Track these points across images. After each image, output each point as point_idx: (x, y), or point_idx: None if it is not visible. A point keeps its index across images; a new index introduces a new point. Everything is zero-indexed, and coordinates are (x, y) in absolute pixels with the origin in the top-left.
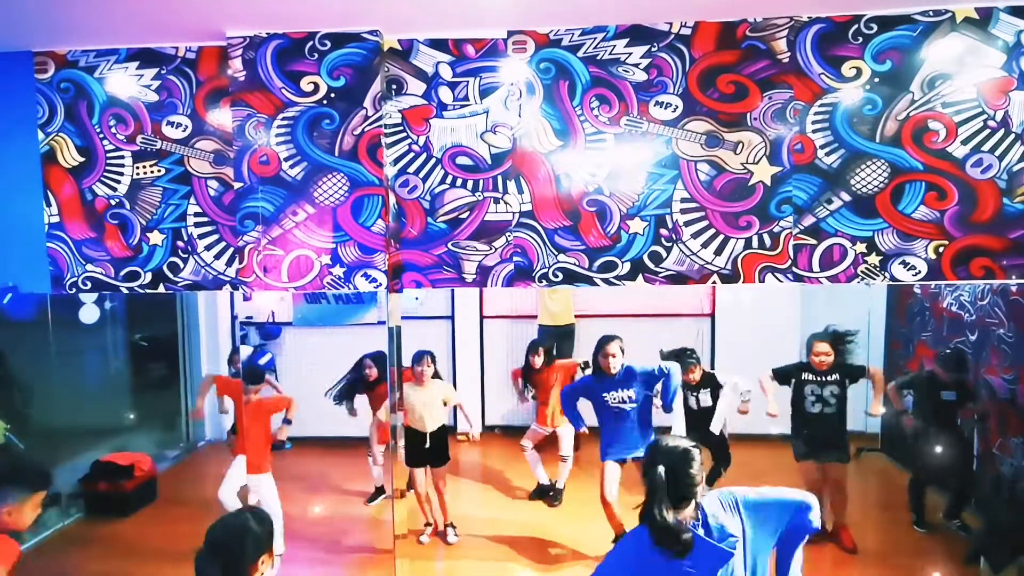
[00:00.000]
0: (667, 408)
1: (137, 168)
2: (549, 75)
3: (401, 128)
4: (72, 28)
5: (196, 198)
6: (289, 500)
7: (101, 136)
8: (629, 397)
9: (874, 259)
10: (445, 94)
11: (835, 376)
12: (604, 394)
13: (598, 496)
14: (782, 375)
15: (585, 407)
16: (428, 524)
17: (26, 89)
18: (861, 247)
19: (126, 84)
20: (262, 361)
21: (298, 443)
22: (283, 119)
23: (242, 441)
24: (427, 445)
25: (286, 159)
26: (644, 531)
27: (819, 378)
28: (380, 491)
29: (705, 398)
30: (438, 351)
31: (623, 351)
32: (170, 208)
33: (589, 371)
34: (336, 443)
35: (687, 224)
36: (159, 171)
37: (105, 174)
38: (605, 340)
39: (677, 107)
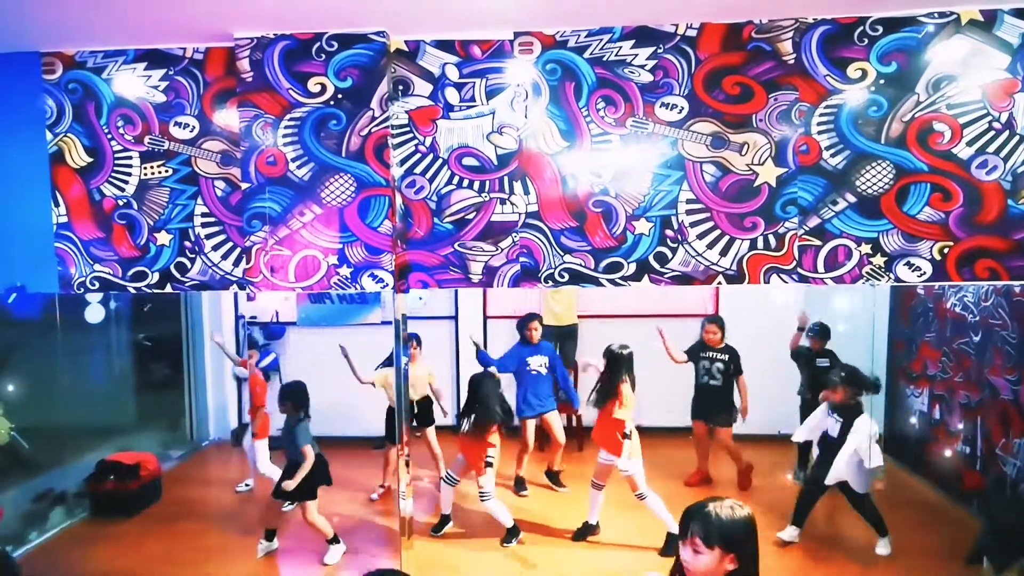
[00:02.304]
0: (564, 389)
1: (145, 168)
2: (555, 76)
3: (408, 129)
4: (80, 29)
5: (203, 198)
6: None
7: (109, 137)
8: (544, 363)
9: (879, 260)
10: (452, 95)
11: (724, 356)
12: (528, 358)
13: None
14: (689, 352)
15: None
16: (382, 486)
17: (34, 90)
18: (866, 248)
19: (134, 85)
20: (266, 361)
21: None
22: (290, 120)
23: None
24: (414, 411)
25: (293, 160)
26: None
27: (711, 355)
28: (446, 519)
29: (835, 427)
30: (442, 351)
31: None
32: (177, 208)
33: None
34: (339, 443)
35: (692, 225)
36: (166, 171)
37: (113, 174)
38: (530, 317)
39: (683, 108)
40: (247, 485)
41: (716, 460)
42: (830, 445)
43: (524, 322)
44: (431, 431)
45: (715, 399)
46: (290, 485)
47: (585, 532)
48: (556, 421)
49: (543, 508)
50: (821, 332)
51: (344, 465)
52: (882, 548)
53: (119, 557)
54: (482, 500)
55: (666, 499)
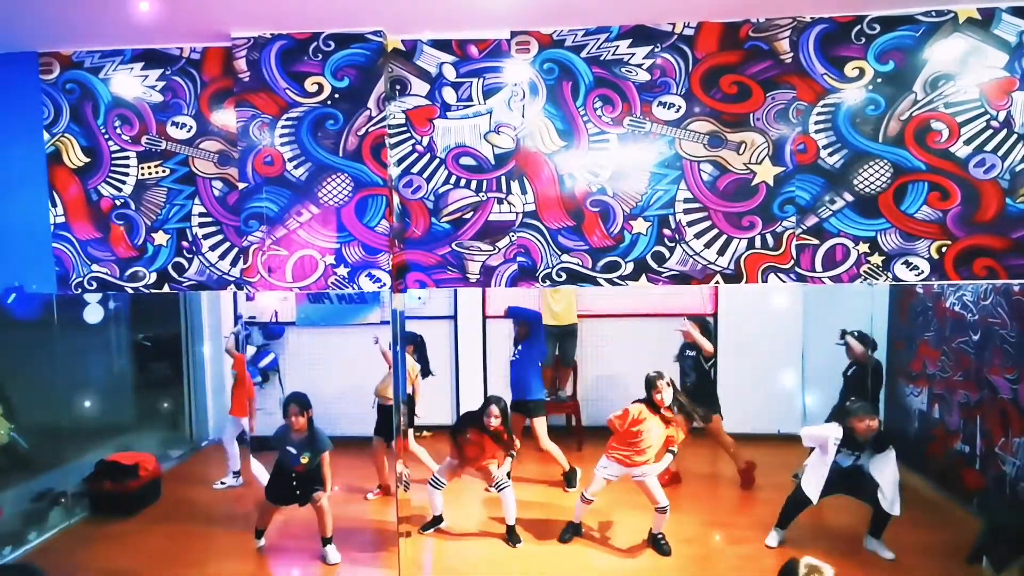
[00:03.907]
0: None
1: (142, 168)
2: (552, 75)
3: (405, 128)
4: (77, 29)
5: (201, 198)
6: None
7: (106, 137)
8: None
9: (877, 259)
10: (449, 94)
11: (693, 352)
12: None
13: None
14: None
15: None
16: (380, 487)
17: (31, 90)
18: (864, 247)
19: (131, 85)
20: (265, 361)
21: None
22: (287, 120)
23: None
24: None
25: (290, 159)
26: None
27: (685, 352)
28: (438, 519)
29: (866, 461)
30: (441, 351)
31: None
32: (175, 208)
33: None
34: (338, 442)
35: (690, 224)
36: (164, 171)
37: (110, 175)
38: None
39: (680, 107)
40: (223, 483)
41: (718, 459)
42: (844, 472)
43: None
44: (410, 430)
45: (695, 395)
46: (323, 496)
47: (572, 532)
48: (539, 427)
49: (544, 507)
50: (863, 341)
51: (340, 465)
52: (886, 552)
53: (118, 557)
54: (500, 490)
55: (642, 501)
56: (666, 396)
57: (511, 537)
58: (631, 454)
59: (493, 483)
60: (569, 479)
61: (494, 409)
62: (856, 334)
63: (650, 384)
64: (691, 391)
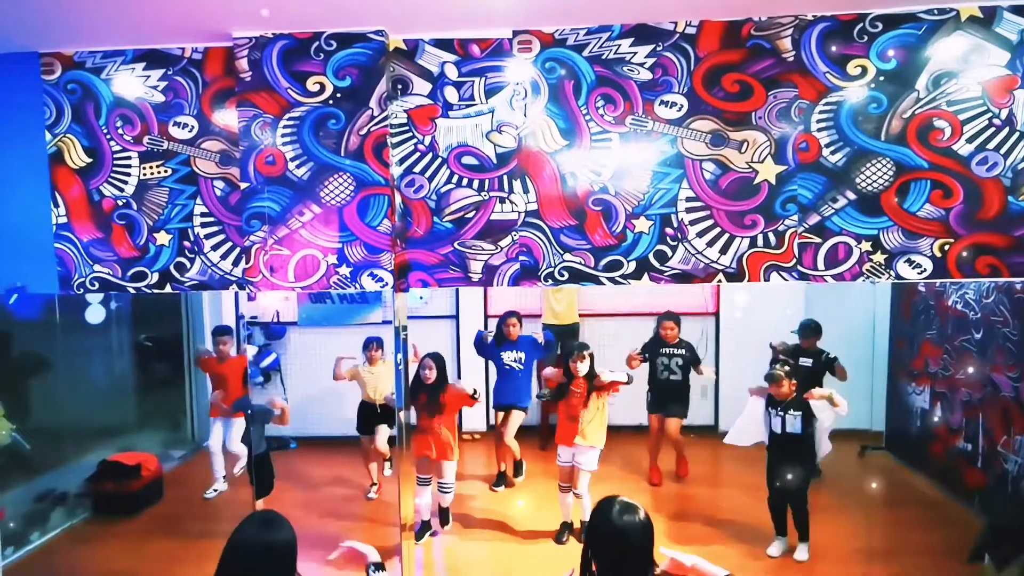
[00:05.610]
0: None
1: (144, 169)
2: (554, 74)
3: (407, 128)
4: (79, 29)
5: (202, 198)
6: (292, 497)
7: (108, 137)
8: (519, 359)
9: (879, 257)
10: (451, 94)
11: (682, 351)
12: (503, 354)
13: None
14: (645, 350)
15: None
16: (373, 484)
17: (33, 90)
18: (866, 245)
19: (133, 85)
20: (267, 361)
21: (302, 443)
22: (289, 119)
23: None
24: (378, 411)
25: (292, 159)
26: None
27: (669, 350)
28: (427, 526)
29: (794, 423)
30: (443, 350)
31: (521, 325)
32: (177, 208)
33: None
34: (338, 443)
35: (692, 223)
36: (166, 172)
37: (112, 175)
38: (508, 315)
39: (682, 106)
40: (215, 491)
41: (720, 460)
42: (782, 444)
43: (502, 319)
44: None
45: (674, 392)
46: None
47: (567, 531)
48: (514, 421)
49: (538, 507)
50: (813, 329)
51: (340, 465)
52: (801, 553)
53: (120, 557)
54: (443, 493)
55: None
56: (581, 368)
57: (443, 519)
58: (573, 429)
59: (440, 479)
60: (501, 480)
61: (428, 361)
62: (812, 326)
63: (570, 353)
64: (671, 387)
